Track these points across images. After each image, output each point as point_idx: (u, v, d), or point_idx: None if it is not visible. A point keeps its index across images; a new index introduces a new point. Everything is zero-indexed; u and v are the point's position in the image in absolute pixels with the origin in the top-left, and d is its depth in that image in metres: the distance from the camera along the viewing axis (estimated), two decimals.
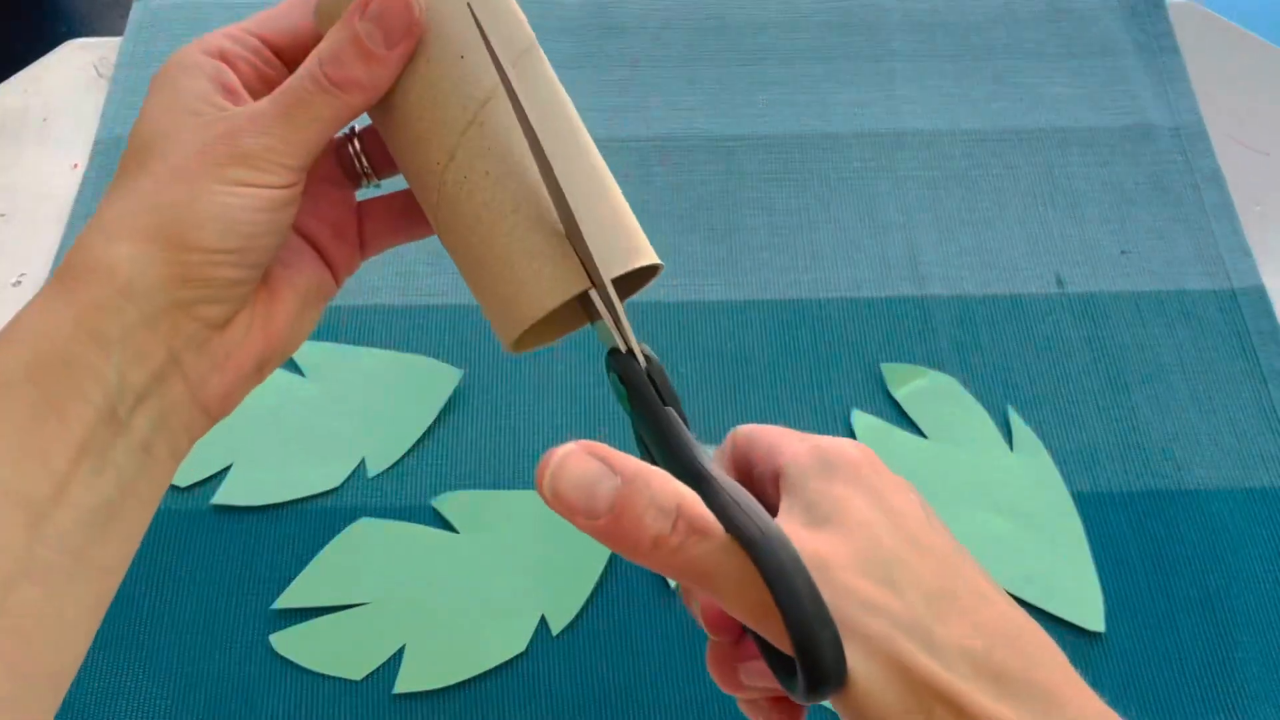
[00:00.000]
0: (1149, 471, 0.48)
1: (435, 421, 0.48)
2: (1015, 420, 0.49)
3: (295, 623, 0.43)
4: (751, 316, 0.52)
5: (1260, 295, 0.52)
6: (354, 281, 0.52)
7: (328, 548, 0.45)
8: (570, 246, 0.29)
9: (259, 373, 0.32)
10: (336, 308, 0.51)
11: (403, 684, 0.42)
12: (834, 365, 0.50)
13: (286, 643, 0.43)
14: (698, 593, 0.31)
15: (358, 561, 0.45)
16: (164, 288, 0.28)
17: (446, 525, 0.46)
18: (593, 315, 0.30)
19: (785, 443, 0.30)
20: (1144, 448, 0.48)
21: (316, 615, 0.44)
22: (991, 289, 0.53)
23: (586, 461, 0.27)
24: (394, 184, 0.33)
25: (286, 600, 0.43)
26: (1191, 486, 0.47)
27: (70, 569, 0.27)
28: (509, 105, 0.29)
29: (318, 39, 0.30)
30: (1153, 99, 0.59)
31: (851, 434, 0.48)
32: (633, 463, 0.26)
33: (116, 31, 0.63)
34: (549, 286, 0.29)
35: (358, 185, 0.34)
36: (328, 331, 0.50)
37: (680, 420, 0.28)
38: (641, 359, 0.29)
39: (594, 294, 0.29)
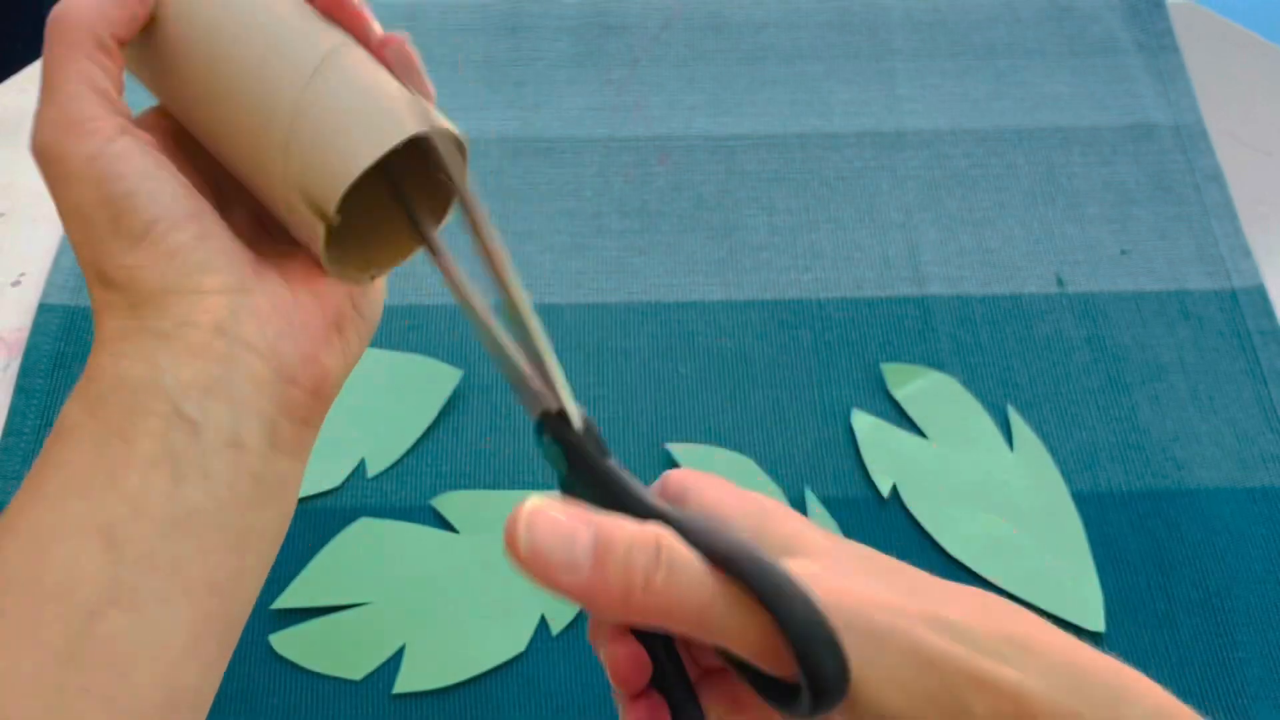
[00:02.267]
0: (1149, 471, 0.48)
1: (435, 421, 0.48)
2: (1015, 420, 0.49)
3: (295, 623, 0.43)
4: (751, 316, 0.52)
5: (1261, 295, 0.52)
6: None
7: (327, 548, 0.45)
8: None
9: (340, 332, 0.31)
10: None
11: (402, 684, 0.42)
12: (834, 365, 0.50)
13: (286, 643, 0.43)
14: (621, 642, 0.29)
15: (357, 561, 0.44)
16: (156, 277, 0.27)
17: (446, 525, 0.46)
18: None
19: (723, 493, 0.28)
20: (1144, 447, 0.48)
21: (316, 615, 0.43)
22: (992, 289, 0.53)
23: (558, 514, 0.24)
24: None
25: (286, 600, 0.43)
26: (1192, 486, 0.47)
27: (163, 590, 0.26)
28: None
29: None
30: (1154, 98, 0.59)
31: (851, 434, 0.48)
32: (598, 512, 0.25)
33: None
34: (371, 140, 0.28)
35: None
36: None
37: (624, 468, 0.27)
38: (578, 421, 0.27)
39: (439, 145, 0.28)
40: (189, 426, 0.26)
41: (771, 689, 0.25)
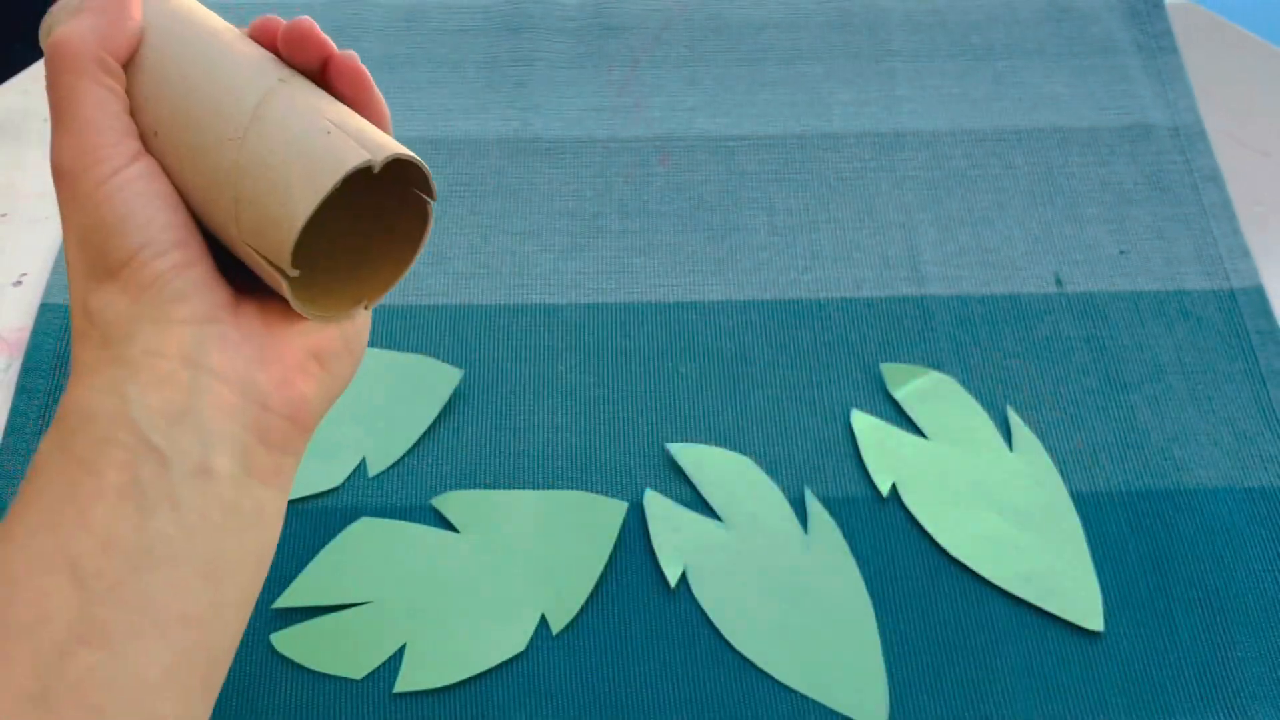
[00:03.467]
0: (1148, 471, 0.48)
1: (435, 421, 0.48)
2: (1014, 420, 0.49)
3: (295, 622, 0.43)
4: (751, 316, 0.52)
5: (1259, 295, 0.53)
6: None
7: (328, 547, 0.45)
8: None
9: (320, 361, 0.30)
10: None
11: (403, 683, 0.42)
12: (833, 365, 0.50)
13: (287, 642, 0.43)
14: None
15: (358, 561, 0.45)
16: (129, 307, 0.27)
17: (447, 525, 0.46)
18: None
19: None
20: (1143, 447, 0.48)
21: (317, 615, 0.44)
22: (991, 289, 0.53)
23: None
24: None
25: (287, 600, 0.44)
26: (1190, 486, 0.47)
27: (134, 624, 0.25)
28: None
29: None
30: (1152, 99, 0.59)
31: (851, 433, 0.48)
32: None
33: None
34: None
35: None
36: None
37: None
38: None
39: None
40: (157, 456, 0.26)
41: None
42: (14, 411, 0.48)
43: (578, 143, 0.57)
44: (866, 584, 0.45)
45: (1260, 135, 0.59)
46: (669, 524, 0.46)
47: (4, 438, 0.48)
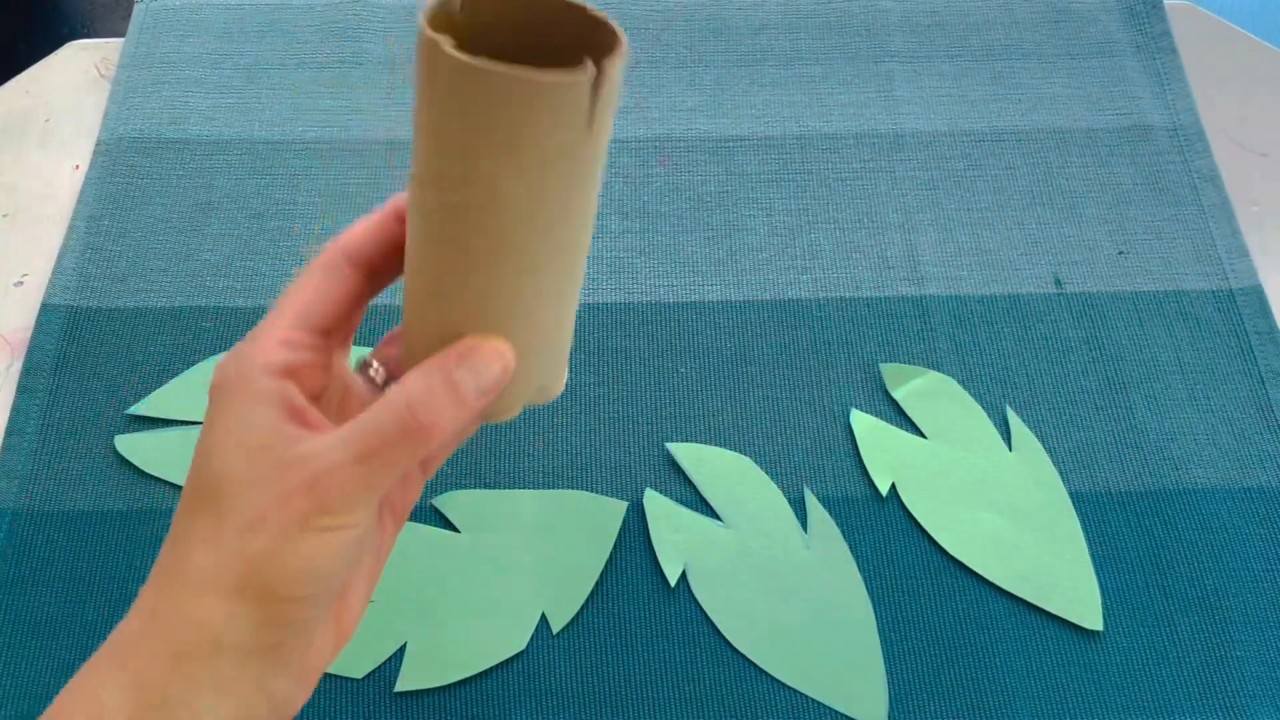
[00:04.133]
0: (1147, 471, 0.48)
1: None
2: (1013, 420, 0.49)
3: None
4: (751, 316, 0.52)
5: (1258, 295, 0.53)
6: None
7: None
8: None
9: (333, 659, 0.32)
10: None
11: (404, 682, 0.42)
12: (833, 365, 0.51)
13: None
14: None
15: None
16: (253, 635, 0.28)
17: (448, 525, 0.46)
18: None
19: None
20: (1142, 447, 0.48)
21: None
22: (990, 289, 0.53)
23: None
24: None
25: None
26: (1189, 486, 0.48)
27: None
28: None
29: (355, 300, 0.31)
30: (1151, 100, 0.60)
31: (850, 433, 0.48)
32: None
33: (118, 33, 0.63)
34: None
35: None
36: None
37: None
38: None
39: None
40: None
41: None
42: (15, 411, 0.48)
43: None
44: (866, 583, 0.45)
45: (1259, 136, 0.59)
46: (669, 523, 0.46)
47: (5, 438, 0.48)
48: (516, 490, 0.47)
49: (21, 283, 0.53)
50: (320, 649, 0.30)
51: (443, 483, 0.47)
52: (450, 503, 0.46)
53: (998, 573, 0.45)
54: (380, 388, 0.32)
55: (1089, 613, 0.44)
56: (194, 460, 0.29)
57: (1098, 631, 0.44)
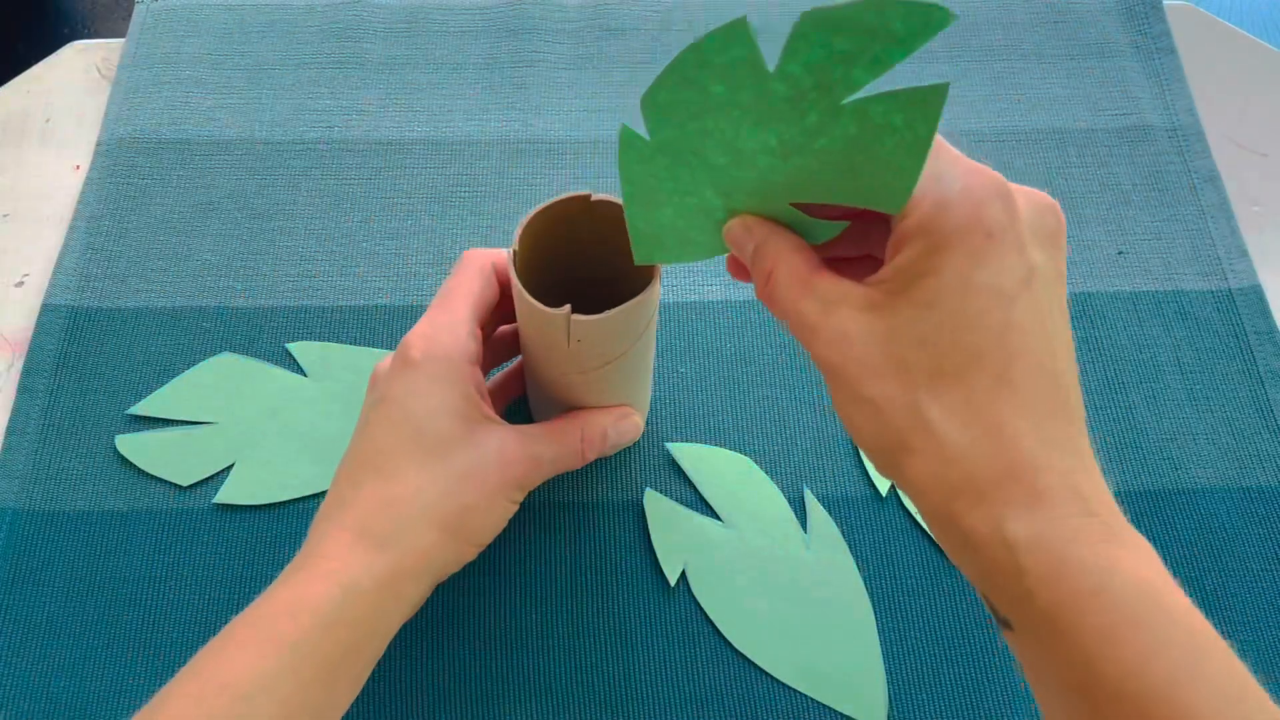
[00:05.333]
0: (1146, 471, 0.48)
1: None
2: None
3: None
4: (751, 316, 0.52)
5: (1257, 295, 0.53)
6: (354, 282, 0.52)
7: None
8: None
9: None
10: (337, 307, 0.51)
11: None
12: None
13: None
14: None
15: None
16: (446, 567, 0.37)
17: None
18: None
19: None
20: (1141, 447, 0.49)
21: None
22: None
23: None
24: None
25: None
26: (1188, 485, 0.48)
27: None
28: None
29: (499, 310, 0.41)
30: (1150, 100, 0.60)
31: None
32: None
33: (119, 33, 0.63)
34: None
35: None
36: (328, 332, 0.51)
37: None
38: None
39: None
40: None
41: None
42: (16, 411, 0.48)
43: (579, 144, 0.57)
44: (866, 583, 0.45)
45: (1258, 136, 0.59)
46: (669, 524, 0.46)
47: (6, 437, 0.48)
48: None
49: (22, 283, 0.53)
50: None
51: None
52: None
53: None
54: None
55: None
56: (386, 412, 0.37)
57: None
